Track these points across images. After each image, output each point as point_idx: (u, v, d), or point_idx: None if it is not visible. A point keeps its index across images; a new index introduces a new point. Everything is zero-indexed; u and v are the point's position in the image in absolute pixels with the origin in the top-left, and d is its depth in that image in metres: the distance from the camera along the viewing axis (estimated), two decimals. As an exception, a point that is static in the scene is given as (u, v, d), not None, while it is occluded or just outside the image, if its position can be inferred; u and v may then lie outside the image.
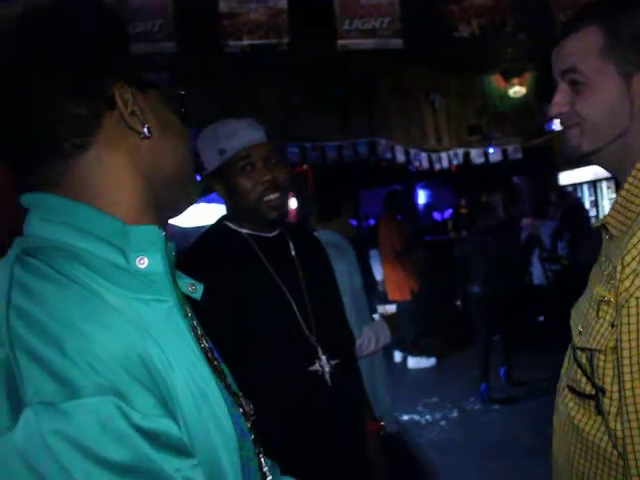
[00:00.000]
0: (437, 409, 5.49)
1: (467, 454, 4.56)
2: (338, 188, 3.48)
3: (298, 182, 10.02)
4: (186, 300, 0.88)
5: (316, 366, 1.76)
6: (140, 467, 0.64)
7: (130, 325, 0.70)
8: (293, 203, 11.29)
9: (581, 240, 5.85)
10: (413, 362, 6.85)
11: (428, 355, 6.82)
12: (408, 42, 3.53)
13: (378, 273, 7.21)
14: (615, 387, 1.06)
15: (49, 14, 0.76)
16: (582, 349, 1.14)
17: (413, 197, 12.84)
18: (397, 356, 7.13)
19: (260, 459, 0.92)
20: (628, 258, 1.02)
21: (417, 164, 9.15)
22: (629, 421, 1.01)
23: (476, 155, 8.94)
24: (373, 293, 6.45)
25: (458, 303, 6.84)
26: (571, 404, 1.19)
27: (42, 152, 0.76)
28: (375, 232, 7.52)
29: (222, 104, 4.83)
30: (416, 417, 5.34)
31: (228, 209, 1.91)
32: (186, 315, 0.82)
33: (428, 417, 5.34)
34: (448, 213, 11.54)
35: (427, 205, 12.51)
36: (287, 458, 1.20)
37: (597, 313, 1.09)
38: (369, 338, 2.65)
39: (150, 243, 0.77)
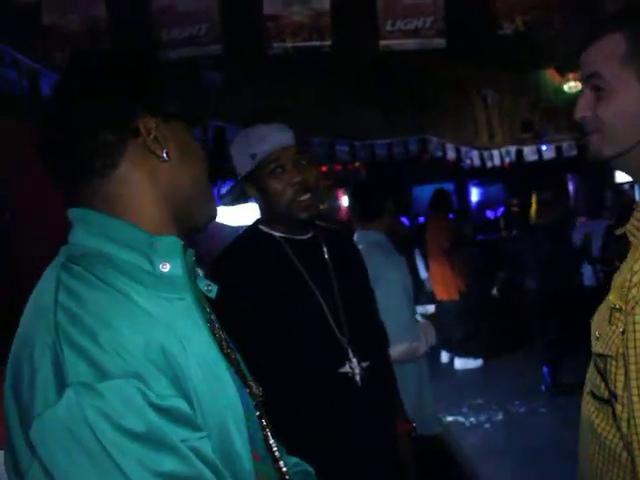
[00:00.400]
0: (482, 411, 5.43)
1: (510, 458, 4.50)
2: (380, 186, 3.38)
3: (350, 179, 10.06)
4: (205, 299, 1.05)
5: (346, 368, 1.79)
6: (152, 436, 0.79)
7: (153, 320, 0.86)
8: (344, 201, 11.34)
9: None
10: (460, 363, 6.78)
11: (475, 356, 6.75)
12: (455, 40, 3.50)
13: (422, 272, 7.18)
14: (626, 393, 1.08)
15: (92, 61, 0.97)
16: (599, 355, 1.17)
17: (466, 195, 12.68)
18: (444, 357, 7.08)
19: (267, 433, 1.04)
20: (637, 266, 1.05)
21: (468, 161, 9.04)
22: (635, 426, 1.04)
23: (529, 152, 8.77)
24: (419, 293, 6.44)
25: (494, 292, 6.81)
26: (592, 408, 1.22)
27: (81, 171, 0.93)
28: (423, 230, 7.47)
29: (267, 104, 4.89)
30: (460, 419, 5.30)
31: (262, 212, 1.95)
32: (203, 310, 0.98)
33: (472, 419, 5.28)
34: (500, 211, 11.35)
35: (480, 203, 12.33)
36: (316, 458, 1.25)
37: (610, 320, 1.12)
38: (422, 339, 2.68)
39: (171, 251, 0.92)
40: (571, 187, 10.04)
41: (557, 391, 5.60)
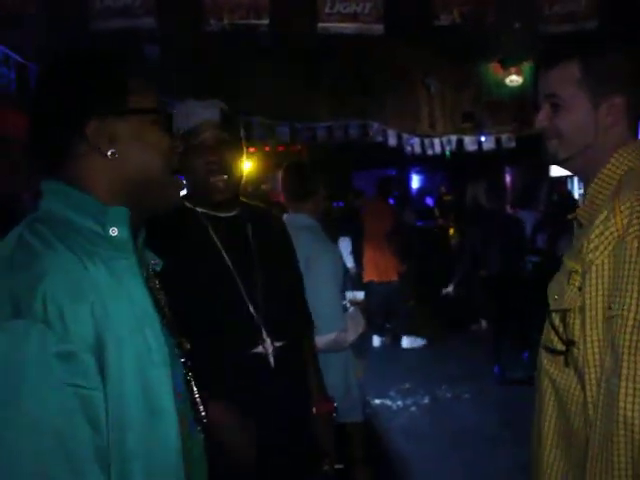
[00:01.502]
0: (409, 395, 5.53)
1: (435, 441, 4.60)
2: (313, 167, 3.29)
3: (290, 160, 10.00)
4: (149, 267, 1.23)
5: (259, 348, 1.77)
6: (39, 372, 0.94)
7: (93, 284, 1.01)
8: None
9: (561, 233, 5.86)
10: (407, 342, 7.05)
11: (418, 335, 7.02)
12: (393, 28, 3.50)
13: (348, 260, 7.30)
14: (582, 338, 1.36)
15: (54, 71, 1.15)
16: (557, 311, 1.43)
17: (406, 181, 12.81)
18: (375, 341, 7.20)
19: (189, 376, 1.21)
20: (592, 236, 1.34)
21: (409, 148, 9.12)
22: (587, 360, 1.34)
23: (469, 142, 8.90)
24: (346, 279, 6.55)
25: (449, 289, 6.93)
26: (546, 361, 1.49)
27: (52, 156, 1.12)
28: (356, 215, 7.63)
29: (211, 83, 4.79)
30: (388, 402, 5.39)
31: (186, 187, 1.91)
32: (143, 273, 1.14)
33: (399, 403, 5.38)
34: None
35: (420, 190, 12.48)
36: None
37: (568, 281, 1.39)
38: (350, 329, 2.66)
39: (119, 218, 1.09)
40: (507, 178, 10.27)
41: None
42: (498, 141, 8.87)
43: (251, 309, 1.79)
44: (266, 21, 3.33)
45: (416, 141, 8.84)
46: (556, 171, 9.76)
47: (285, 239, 2.08)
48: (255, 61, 5.33)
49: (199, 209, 1.86)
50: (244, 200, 1.99)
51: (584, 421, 1.39)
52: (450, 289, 6.89)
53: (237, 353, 1.76)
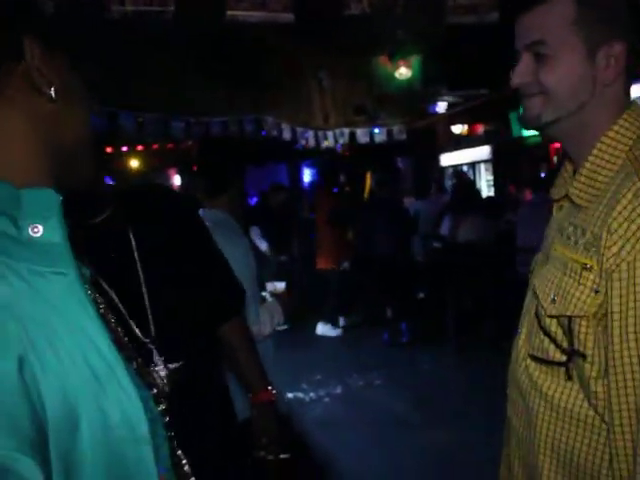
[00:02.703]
0: (321, 386, 5.55)
1: (349, 429, 4.64)
2: (226, 161, 3.22)
3: (183, 158, 9.77)
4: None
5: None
6: None
7: (11, 316, 0.62)
8: (177, 180, 11.01)
9: (463, 219, 6.11)
10: (322, 329, 7.16)
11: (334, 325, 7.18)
12: (299, 19, 3.47)
13: (262, 246, 7.36)
14: (597, 351, 1.11)
15: None
16: (557, 316, 1.17)
17: (298, 175, 12.86)
18: (319, 329, 7.34)
19: (174, 445, 0.86)
20: (615, 225, 1.06)
21: (303, 142, 9.16)
22: (616, 381, 1.07)
23: (361, 135, 9.06)
24: (266, 270, 6.59)
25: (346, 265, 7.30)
26: (536, 373, 1.24)
27: None
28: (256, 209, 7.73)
29: (104, 74, 4.57)
30: (300, 395, 5.38)
31: None
32: (88, 293, 0.74)
33: (312, 395, 5.39)
34: (335, 190, 11.66)
35: (312, 183, 12.56)
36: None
37: (578, 280, 1.13)
38: (265, 321, 2.59)
39: (45, 209, 0.69)
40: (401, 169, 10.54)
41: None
42: (390, 133, 9.09)
43: (136, 331, 1.52)
44: (171, 7, 3.20)
45: (310, 135, 8.89)
46: (445, 161, 10.16)
47: (187, 220, 1.85)
48: (153, 52, 5.15)
49: None
50: (124, 192, 1.73)
51: (595, 448, 1.15)
52: (346, 265, 7.24)
53: None
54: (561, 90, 1.16)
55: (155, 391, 0.84)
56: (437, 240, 6.59)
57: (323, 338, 7.11)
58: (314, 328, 7.28)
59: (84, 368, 0.66)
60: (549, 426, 1.21)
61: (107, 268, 1.53)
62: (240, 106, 7.39)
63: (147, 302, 1.62)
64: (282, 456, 1.99)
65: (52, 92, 0.74)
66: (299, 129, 8.63)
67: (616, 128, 1.16)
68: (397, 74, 8.30)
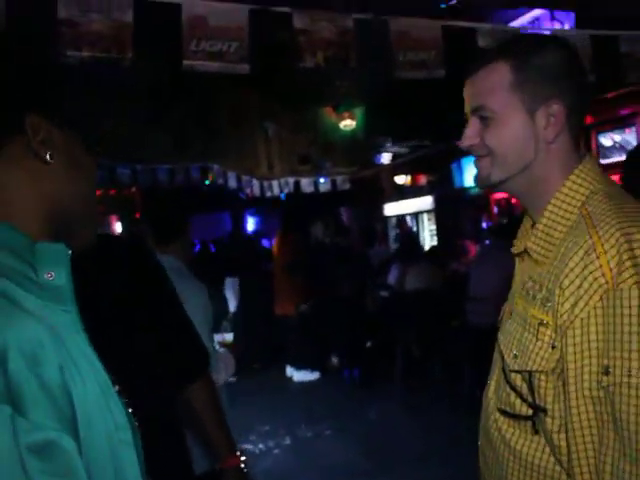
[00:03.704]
0: (269, 437, 5.44)
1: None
2: (178, 208, 3.16)
3: (125, 205, 9.63)
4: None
5: None
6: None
7: (40, 325, 0.78)
8: (118, 227, 10.83)
9: (410, 268, 6.19)
10: (298, 375, 7.12)
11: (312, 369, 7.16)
12: (254, 70, 3.51)
13: (232, 303, 7.33)
14: (557, 406, 1.12)
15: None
16: (519, 372, 1.18)
17: (242, 223, 12.84)
18: (289, 371, 7.29)
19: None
20: (566, 282, 1.08)
21: (248, 191, 9.20)
22: (575, 437, 1.07)
23: (306, 184, 9.17)
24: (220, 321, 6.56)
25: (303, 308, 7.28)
26: (505, 426, 1.24)
27: None
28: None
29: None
30: (250, 446, 5.26)
31: None
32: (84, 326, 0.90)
33: (261, 446, 5.28)
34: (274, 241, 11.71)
35: (256, 232, 12.55)
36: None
37: (536, 336, 1.14)
38: (219, 370, 2.54)
39: (57, 260, 0.85)
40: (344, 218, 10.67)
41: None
42: (334, 182, 9.23)
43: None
44: (130, 55, 3.19)
45: (255, 183, 8.93)
46: (389, 211, 10.32)
47: (146, 271, 1.80)
48: (102, 98, 5.11)
49: None
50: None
51: None
52: (304, 307, 7.23)
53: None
54: (505, 151, 1.21)
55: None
56: (385, 289, 6.64)
57: (268, 388, 7.03)
58: (260, 377, 7.20)
59: (95, 384, 0.83)
60: (519, 479, 1.21)
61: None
62: (187, 154, 7.39)
63: (107, 349, 1.57)
64: None
65: (48, 157, 0.88)
66: (245, 177, 8.67)
67: (569, 184, 1.19)
68: (342, 125, 8.47)
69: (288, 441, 5.37)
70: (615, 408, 1.02)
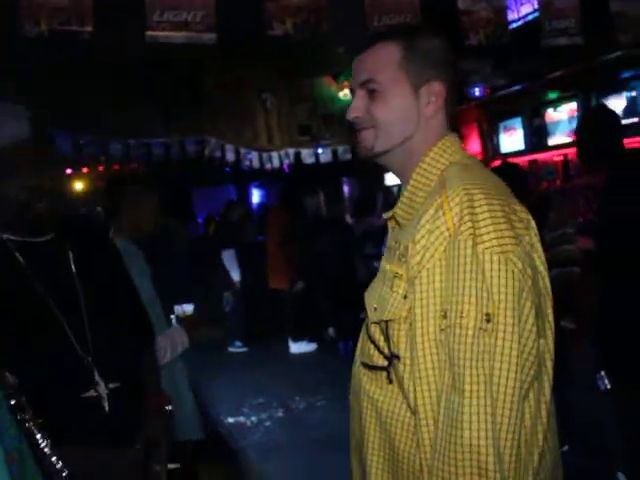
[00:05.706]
0: (262, 410, 5.46)
1: (291, 453, 4.56)
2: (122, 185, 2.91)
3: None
4: None
5: (92, 392, 1.63)
6: None
7: None
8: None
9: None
10: (295, 347, 7.15)
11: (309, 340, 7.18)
12: (233, 40, 3.42)
13: (235, 274, 7.40)
14: (408, 353, 1.20)
15: None
16: (377, 323, 1.28)
17: (247, 196, 12.81)
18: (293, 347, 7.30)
19: (29, 426, 0.99)
20: (418, 236, 1.19)
21: (247, 163, 9.12)
22: (420, 378, 1.16)
23: (307, 155, 9.07)
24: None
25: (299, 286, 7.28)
26: (365, 378, 1.33)
27: None
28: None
29: (35, 95, 4.44)
30: (242, 419, 5.28)
31: None
32: None
33: (253, 418, 5.29)
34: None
35: (261, 204, 12.52)
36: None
37: (392, 288, 1.24)
38: (162, 349, 2.50)
39: None
40: (346, 189, 10.58)
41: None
42: (335, 153, 9.12)
43: (79, 351, 1.63)
44: (89, 28, 3.12)
45: (254, 156, 8.85)
46: (391, 180, 10.21)
47: (113, 259, 1.94)
48: (76, 72, 5.06)
49: (4, 235, 1.64)
50: (65, 218, 1.78)
51: (415, 447, 1.21)
52: (300, 286, 7.20)
53: (66, 400, 1.60)
54: (390, 123, 1.31)
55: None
56: (377, 259, 6.60)
57: (264, 360, 7.06)
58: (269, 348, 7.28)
59: None
60: (375, 427, 1.30)
61: (51, 285, 1.63)
62: (180, 127, 7.32)
63: (86, 322, 1.67)
64: (171, 466, 1.92)
65: None
66: (243, 150, 8.59)
67: (432, 154, 1.31)
68: (342, 95, 8.35)
69: (281, 413, 5.38)
70: (449, 347, 1.11)
